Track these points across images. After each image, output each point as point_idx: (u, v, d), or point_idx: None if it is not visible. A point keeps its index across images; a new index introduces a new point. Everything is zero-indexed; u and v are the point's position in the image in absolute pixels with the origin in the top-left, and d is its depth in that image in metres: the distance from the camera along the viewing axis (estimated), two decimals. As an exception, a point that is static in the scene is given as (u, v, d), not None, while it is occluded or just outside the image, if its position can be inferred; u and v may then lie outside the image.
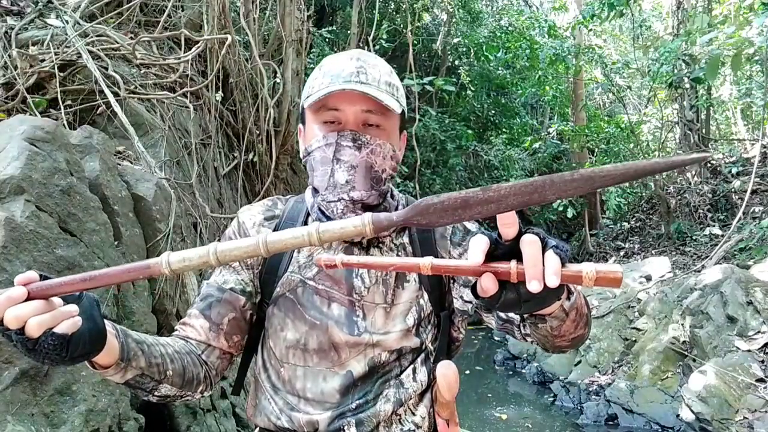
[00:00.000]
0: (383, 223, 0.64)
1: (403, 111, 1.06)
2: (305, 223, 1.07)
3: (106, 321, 0.78)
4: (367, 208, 1.00)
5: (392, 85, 1.02)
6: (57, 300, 0.70)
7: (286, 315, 1.03)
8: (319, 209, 1.04)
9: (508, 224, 0.61)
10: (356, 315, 1.02)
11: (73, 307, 0.71)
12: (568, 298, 0.75)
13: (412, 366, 1.04)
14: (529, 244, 0.60)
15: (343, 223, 0.65)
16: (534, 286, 0.59)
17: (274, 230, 1.07)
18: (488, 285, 0.61)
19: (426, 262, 0.64)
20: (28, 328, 0.67)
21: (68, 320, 0.69)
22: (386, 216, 0.64)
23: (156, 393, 0.93)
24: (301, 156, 1.07)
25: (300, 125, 1.10)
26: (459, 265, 0.63)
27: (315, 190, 1.05)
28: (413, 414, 1.03)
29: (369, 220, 0.64)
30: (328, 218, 1.02)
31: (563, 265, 0.60)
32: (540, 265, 0.59)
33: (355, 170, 0.98)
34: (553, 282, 0.58)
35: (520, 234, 0.62)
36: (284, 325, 1.03)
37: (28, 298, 0.68)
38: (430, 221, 0.62)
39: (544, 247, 0.61)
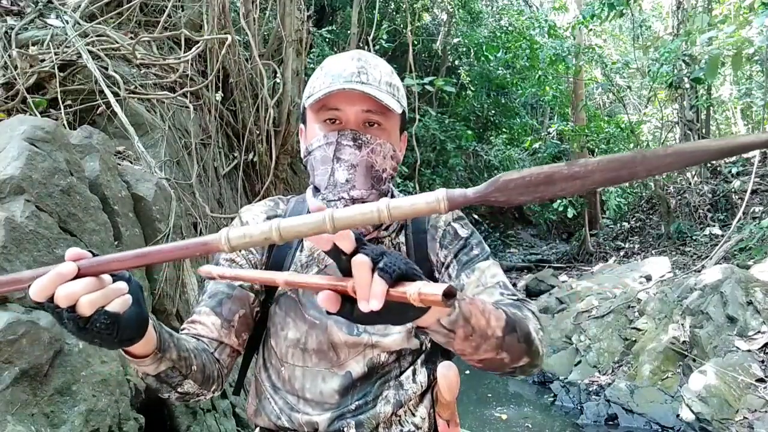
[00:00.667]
0: (458, 200, 0.60)
1: (403, 111, 1.06)
2: None
3: None
4: None
5: (393, 85, 1.02)
6: (106, 277, 0.68)
7: (287, 314, 1.03)
8: None
9: (342, 237, 0.61)
10: None
11: (123, 285, 0.69)
12: (450, 315, 0.72)
13: (411, 367, 1.04)
14: (357, 265, 0.60)
15: (414, 198, 0.61)
16: (363, 307, 0.59)
17: None
18: (324, 301, 0.61)
19: (281, 278, 0.64)
20: (80, 306, 0.65)
21: (119, 298, 0.68)
22: (460, 192, 0.61)
23: (179, 389, 0.92)
24: (302, 156, 1.07)
25: (301, 125, 1.10)
26: (308, 282, 0.64)
27: (316, 190, 1.05)
28: (413, 415, 1.03)
29: (444, 196, 0.60)
30: None
31: (391, 285, 0.59)
32: (366, 287, 0.59)
33: (355, 169, 0.98)
34: (373, 305, 0.58)
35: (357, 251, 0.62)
36: (285, 324, 1.03)
37: (78, 275, 0.65)
38: (509, 198, 0.59)
39: (374, 269, 0.60)
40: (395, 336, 1.02)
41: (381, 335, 1.01)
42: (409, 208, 0.61)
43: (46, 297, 0.64)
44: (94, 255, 0.67)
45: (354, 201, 0.99)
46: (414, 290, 0.59)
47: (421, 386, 1.04)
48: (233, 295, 1.03)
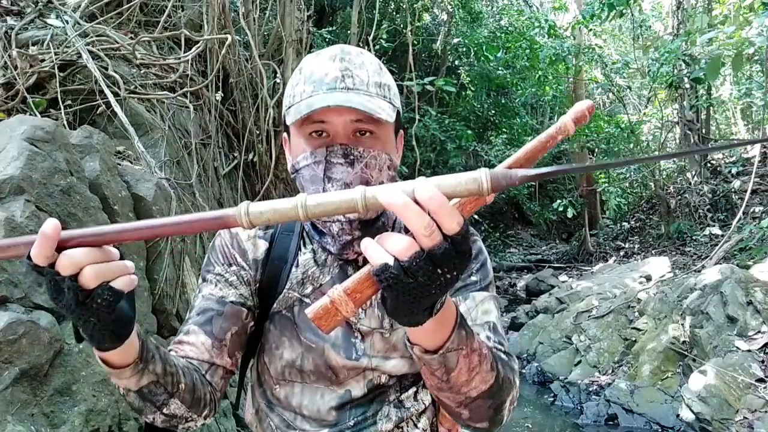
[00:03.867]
0: (501, 183, 0.57)
1: (398, 111, 0.95)
2: (301, 234, 1.02)
3: None
4: (364, 224, 0.94)
5: (383, 85, 0.92)
6: (114, 251, 0.63)
7: (282, 333, 0.98)
8: (313, 226, 0.99)
9: (449, 217, 0.57)
10: (354, 337, 0.97)
11: (131, 263, 0.64)
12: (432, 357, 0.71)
13: (413, 388, 1.00)
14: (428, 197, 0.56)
15: (458, 178, 0.57)
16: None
17: (270, 242, 1.01)
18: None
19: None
20: (84, 276, 0.60)
21: (126, 276, 0.63)
22: (503, 173, 0.57)
23: (165, 410, 0.84)
24: (290, 171, 0.97)
25: (284, 134, 0.99)
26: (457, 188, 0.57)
27: None
28: (415, 426, 1.00)
29: (487, 177, 0.56)
30: (321, 234, 0.97)
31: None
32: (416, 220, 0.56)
33: (349, 188, 0.88)
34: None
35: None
36: (280, 343, 0.98)
37: (80, 244, 0.60)
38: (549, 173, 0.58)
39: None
40: (395, 361, 0.97)
41: (381, 359, 0.97)
42: (451, 187, 0.57)
43: (47, 258, 0.59)
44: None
45: (351, 222, 0.92)
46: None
47: (424, 404, 1.00)
48: (224, 312, 0.95)
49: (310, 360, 0.97)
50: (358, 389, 0.97)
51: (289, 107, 0.91)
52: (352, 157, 0.88)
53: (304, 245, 1.01)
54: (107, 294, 0.61)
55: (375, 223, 0.96)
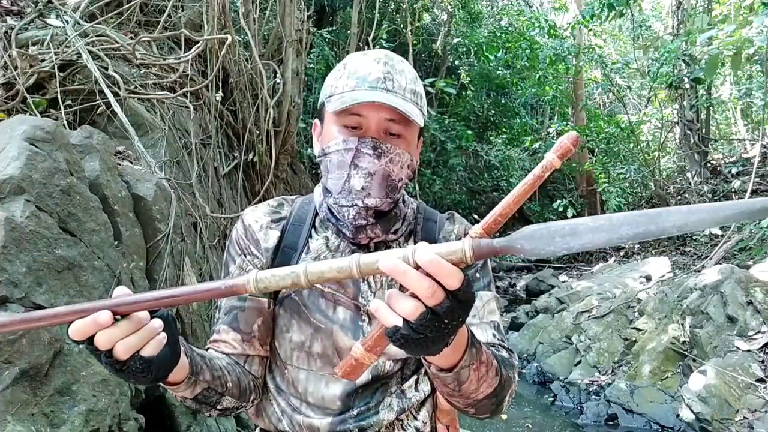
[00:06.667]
0: (483, 252, 0.62)
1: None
2: (313, 224, 1.07)
3: None
4: (379, 214, 1.00)
5: (417, 93, 1.00)
6: (144, 315, 0.69)
7: (292, 316, 1.02)
8: (329, 211, 1.03)
9: (450, 275, 0.61)
10: (362, 320, 1.00)
11: (158, 323, 0.70)
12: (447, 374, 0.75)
13: (415, 377, 1.04)
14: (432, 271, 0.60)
15: (440, 248, 0.61)
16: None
17: (281, 233, 1.06)
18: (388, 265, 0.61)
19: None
20: (116, 351, 0.67)
21: (154, 340, 0.70)
22: (486, 242, 0.62)
23: (219, 406, 0.94)
24: (316, 154, 1.04)
25: (316, 120, 1.06)
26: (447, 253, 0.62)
27: (327, 191, 1.03)
28: (415, 419, 1.04)
29: (470, 248, 0.61)
30: (337, 220, 1.02)
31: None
32: (418, 286, 0.60)
33: (372, 177, 0.96)
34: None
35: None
36: (290, 326, 1.02)
37: (113, 313, 0.67)
38: (534, 246, 0.61)
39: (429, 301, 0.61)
40: None
41: None
42: (442, 254, 0.61)
43: (84, 338, 0.66)
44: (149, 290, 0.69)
45: (368, 209, 0.97)
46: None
47: (424, 394, 1.04)
48: (246, 307, 1.02)
49: (319, 341, 1.01)
50: (362, 376, 0.99)
51: (330, 96, 0.99)
52: (380, 150, 0.96)
53: (316, 233, 1.06)
54: (139, 363, 0.69)
55: (388, 213, 1.02)
